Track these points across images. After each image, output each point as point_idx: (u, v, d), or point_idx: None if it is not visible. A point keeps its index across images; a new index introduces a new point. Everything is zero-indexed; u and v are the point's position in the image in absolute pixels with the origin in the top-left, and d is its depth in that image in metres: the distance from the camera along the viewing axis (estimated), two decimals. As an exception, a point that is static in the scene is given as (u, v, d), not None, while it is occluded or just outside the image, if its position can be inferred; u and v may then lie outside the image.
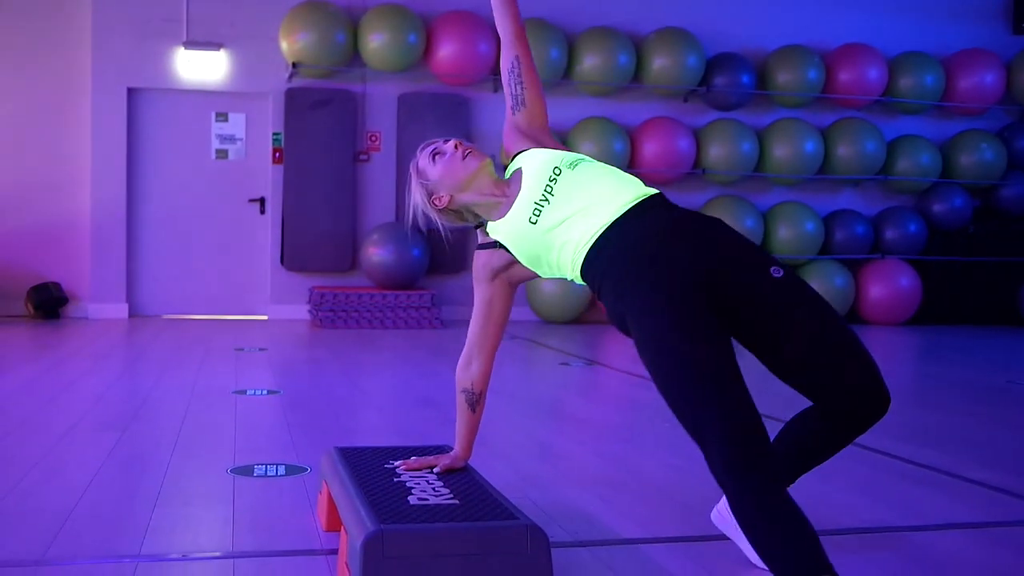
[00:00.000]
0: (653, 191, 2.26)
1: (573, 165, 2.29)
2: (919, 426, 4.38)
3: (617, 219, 2.18)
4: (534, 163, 2.35)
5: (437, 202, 2.43)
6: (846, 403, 2.13)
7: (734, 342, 2.09)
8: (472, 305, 2.54)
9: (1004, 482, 3.35)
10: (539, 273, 2.39)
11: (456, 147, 2.41)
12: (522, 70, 2.49)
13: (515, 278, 2.47)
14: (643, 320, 2.06)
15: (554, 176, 2.28)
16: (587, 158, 2.34)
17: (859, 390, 2.11)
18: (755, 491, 1.87)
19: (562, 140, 9.43)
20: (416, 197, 2.46)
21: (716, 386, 1.94)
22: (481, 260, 2.47)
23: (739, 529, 2.23)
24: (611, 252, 2.16)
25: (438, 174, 2.41)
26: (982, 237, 10.27)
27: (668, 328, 2.01)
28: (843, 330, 2.12)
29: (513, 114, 2.51)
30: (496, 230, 2.40)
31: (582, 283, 2.28)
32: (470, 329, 2.51)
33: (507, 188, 2.40)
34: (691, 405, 1.95)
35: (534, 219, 2.27)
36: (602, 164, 2.34)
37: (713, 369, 1.96)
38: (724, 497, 2.43)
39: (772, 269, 2.10)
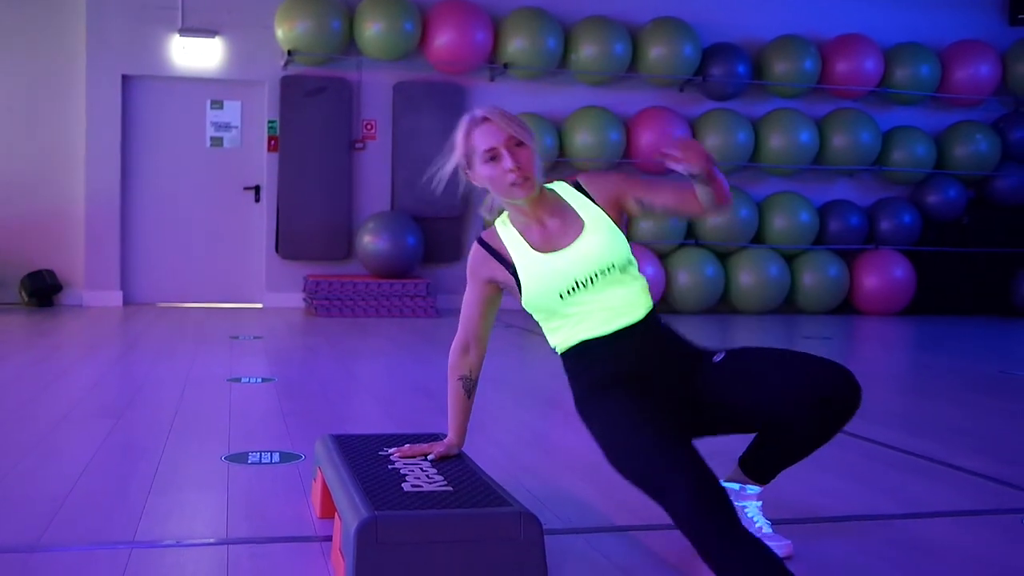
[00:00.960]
0: (650, 308, 2.39)
1: (624, 268, 2.37)
2: (912, 415, 4.39)
3: (619, 330, 2.34)
4: (595, 242, 2.35)
5: (468, 176, 2.42)
6: (817, 398, 2.21)
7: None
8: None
9: (996, 471, 3.37)
10: (529, 312, 2.44)
11: (513, 171, 2.31)
12: (674, 210, 2.43)
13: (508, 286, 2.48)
14: (605, 406, 2.27)
15: (604, 271, 2.35)
16: (635, 261, 2.41)
17: (825, 384, 2.22)
18: (721, 523, 1.92)
19: (557, 130, 9.43)
20: (458, 154, 2.39)
21: (671, 442, 2.08)
22: (480, 259, 2.46)
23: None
24: (600, 353, 2.35)
25: (482, 176, 2.37)
26: (976, 228, 10.29)
27: (625, 409, 2.22)
28: (795, 354, 2.32)
29: (631, 197, 2.41)
30: (510, 237, 2.41)
31: (558, 354, 2.44)
32: (463, 317, 2.52)
33: (545, 215, 2.40)
34: (650, 462, 2.06)
35: (566, 296, 2.36)
36: (637, 270, 2.41)
37: (665, 430, 2.11)
38: None
39: (714, 357, 2.36)
